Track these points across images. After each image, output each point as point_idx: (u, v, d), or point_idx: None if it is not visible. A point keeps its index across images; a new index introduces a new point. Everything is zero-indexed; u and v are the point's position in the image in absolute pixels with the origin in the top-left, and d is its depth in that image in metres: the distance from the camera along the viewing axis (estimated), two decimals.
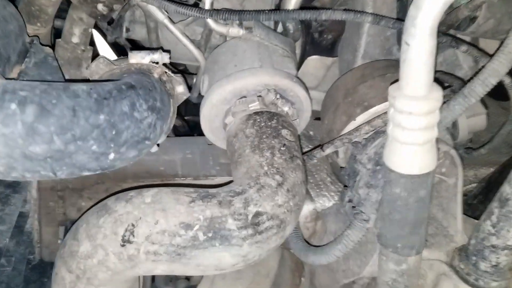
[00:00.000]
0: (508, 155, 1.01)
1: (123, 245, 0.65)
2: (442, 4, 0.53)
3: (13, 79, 0.66)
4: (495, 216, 0.67)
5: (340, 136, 0.79)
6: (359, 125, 0.78)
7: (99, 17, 0.78)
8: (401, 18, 0.91)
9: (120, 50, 0.99)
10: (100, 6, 0.76)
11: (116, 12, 0.80)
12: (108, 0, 0.76)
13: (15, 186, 0.85)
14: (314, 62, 1.02)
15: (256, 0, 0.96)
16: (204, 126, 0.88)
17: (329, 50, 1.06)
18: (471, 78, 0.67)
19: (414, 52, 0.57)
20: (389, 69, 0.87)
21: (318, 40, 1.05)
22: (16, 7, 0.78)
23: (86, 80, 0.80)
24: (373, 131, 0.76)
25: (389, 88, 0.63)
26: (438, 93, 0.60)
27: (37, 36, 0.76)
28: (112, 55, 0.94)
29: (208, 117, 0.86)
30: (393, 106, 0.62)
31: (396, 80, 0.63)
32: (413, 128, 0.60)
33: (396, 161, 0.64)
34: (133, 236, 0.65)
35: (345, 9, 0.81)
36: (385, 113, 0.75)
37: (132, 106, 0.64)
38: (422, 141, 0.61)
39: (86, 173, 0.62)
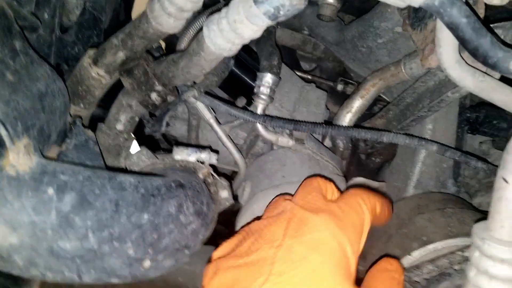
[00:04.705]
0: None
1: None
2: None
3: (52, 159, 0.59)
4: None
5: None
6: (421, 263, 0.68)
7: (150, 107, 0.73)
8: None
9: (152, 145, 0.93)
10: (154, 95, 0.71)
11: (167, 104, 0.75)
12: (163, 90, 0.71)
13: (17, 279, 0.74)
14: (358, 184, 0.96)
15: (308, 113, 0.92)
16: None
17: (374, 174, 1.00)
18: None
19: None
20: (447, 203, 0.80)
21: (365, 162, 0.99)
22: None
23: (128, 171, 0.73)
24: (438, 273, 0.67)
25: (475, 227, 0.55)
26: None
27: (80, 117, 0.70)
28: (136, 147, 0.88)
29: None
30: (479, 249, 0.53)
31: (482, 218, 0.56)
32: (505, 278, 0.51)
33: None
34: None
35: (405, 134, 0.76)
36: (452, 253, 0.67)
37: (179, 208, 0.57)
38: None
39: (114, 280, 0.52)
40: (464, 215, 0.76)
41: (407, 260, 0.73)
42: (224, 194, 0.74)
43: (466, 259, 0.62)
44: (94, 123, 0.84)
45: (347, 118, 0.89)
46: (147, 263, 0.53)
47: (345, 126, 0.84)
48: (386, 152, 0.98)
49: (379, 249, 0.80)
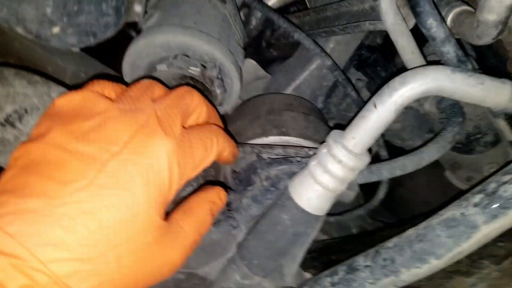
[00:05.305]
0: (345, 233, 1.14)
1: (3, 125, 0.55)
2: (424, 90, 0.59)
3: None
4: (338, 277, 0.74)
5: (253, 144, 0.80)
6: (274, 145, 0.80)
7: None
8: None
9: None
10: None
11: None
12: None
13: None
14: (249, 66, 1.02)
15: None
16: (129, 54, 0.80)
17: (265, 64, 1.07)
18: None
19: (375, 116, 0.61)
20: (313, 112, 0.92)
21: (263, 50, 1.06)
22: None
23: None
24: (282, 157, 0.79)
25: (333, 131, 0.67)
26: (367, 159, 0.66)
27: None
28: None
29: (139, 51, 0.78)
30: (328, 147, 0.65)
31: (340, 126, 0.68)
32: (333, 174, 0.64)
33: (301, 193, 0.67)
34: (21, 122, 0.55)
35: (313, 40, 0.84)
36: (301, 147, 0.79)
37: None
38: (333, 189, 0.66)
39: (19, 30, 0.52)
40: (321, 127, 0.89)
41: (263, 140, 0.85)
42: (138, 8, 0.74)
43: (308, 156, 0.75)
44: None
45: (270, 1, 0.93)
46: (56, 29, 0.54)
47: (270, 6, 0.89)
48: (285, 49, 1.05)
49: (244, 124, 0.89)
